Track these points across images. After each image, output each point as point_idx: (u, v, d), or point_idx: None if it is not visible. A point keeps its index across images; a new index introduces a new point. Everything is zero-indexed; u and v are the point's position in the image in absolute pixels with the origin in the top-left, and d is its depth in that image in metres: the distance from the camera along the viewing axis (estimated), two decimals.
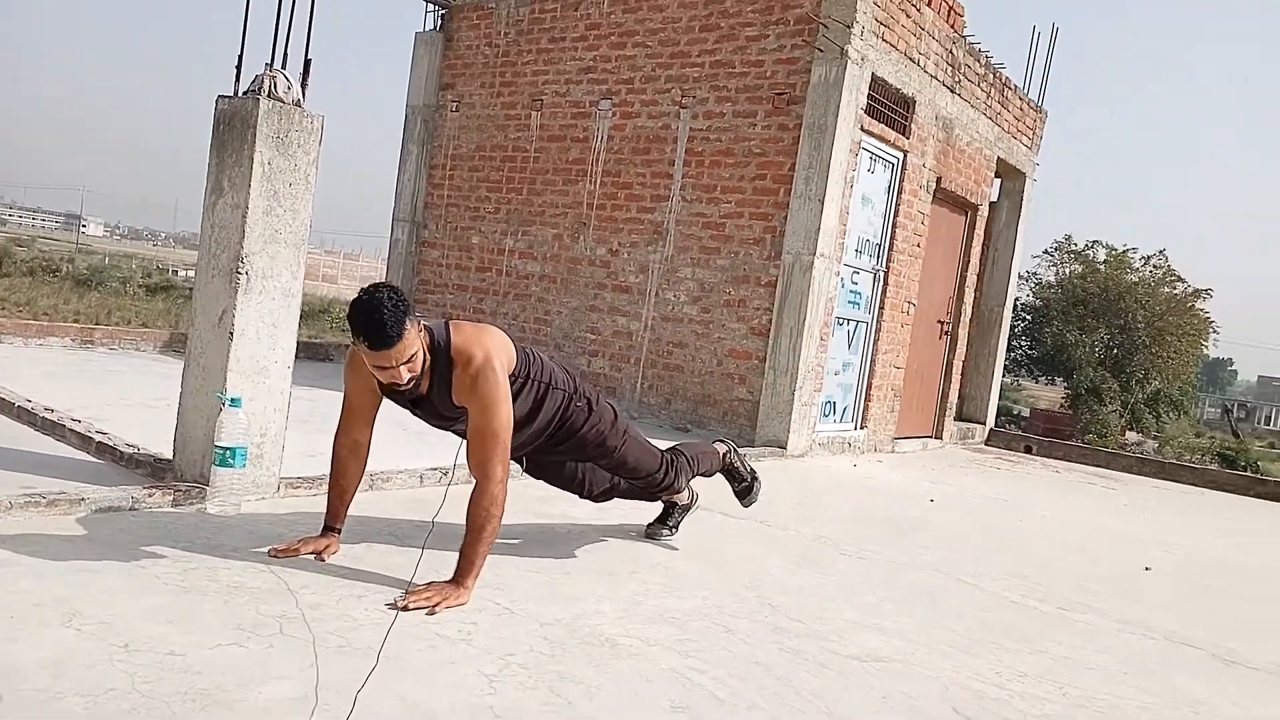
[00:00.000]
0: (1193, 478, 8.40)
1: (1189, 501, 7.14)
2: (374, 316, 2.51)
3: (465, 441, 2.76)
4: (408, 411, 2.90)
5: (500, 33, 8.38)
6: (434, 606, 2.52)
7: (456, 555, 2.66)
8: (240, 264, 3.21)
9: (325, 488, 3.55)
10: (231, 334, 3.23)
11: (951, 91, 7.59)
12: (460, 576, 2.62)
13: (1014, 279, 9.54)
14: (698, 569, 3.30)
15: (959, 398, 8.98)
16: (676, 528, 3.65)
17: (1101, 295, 24.30)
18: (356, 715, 1.87)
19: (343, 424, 2.93)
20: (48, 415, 4.11)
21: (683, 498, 3.59)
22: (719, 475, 3.67)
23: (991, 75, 8.18)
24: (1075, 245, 25.21)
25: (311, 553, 2.84)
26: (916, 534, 4.43)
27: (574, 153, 7.82)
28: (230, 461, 3.14)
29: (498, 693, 2.07)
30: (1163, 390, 25.70)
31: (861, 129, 6.55)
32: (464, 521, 2.67)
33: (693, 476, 3.49)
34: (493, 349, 2.72)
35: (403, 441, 4.12)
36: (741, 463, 3.68)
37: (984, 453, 8.76)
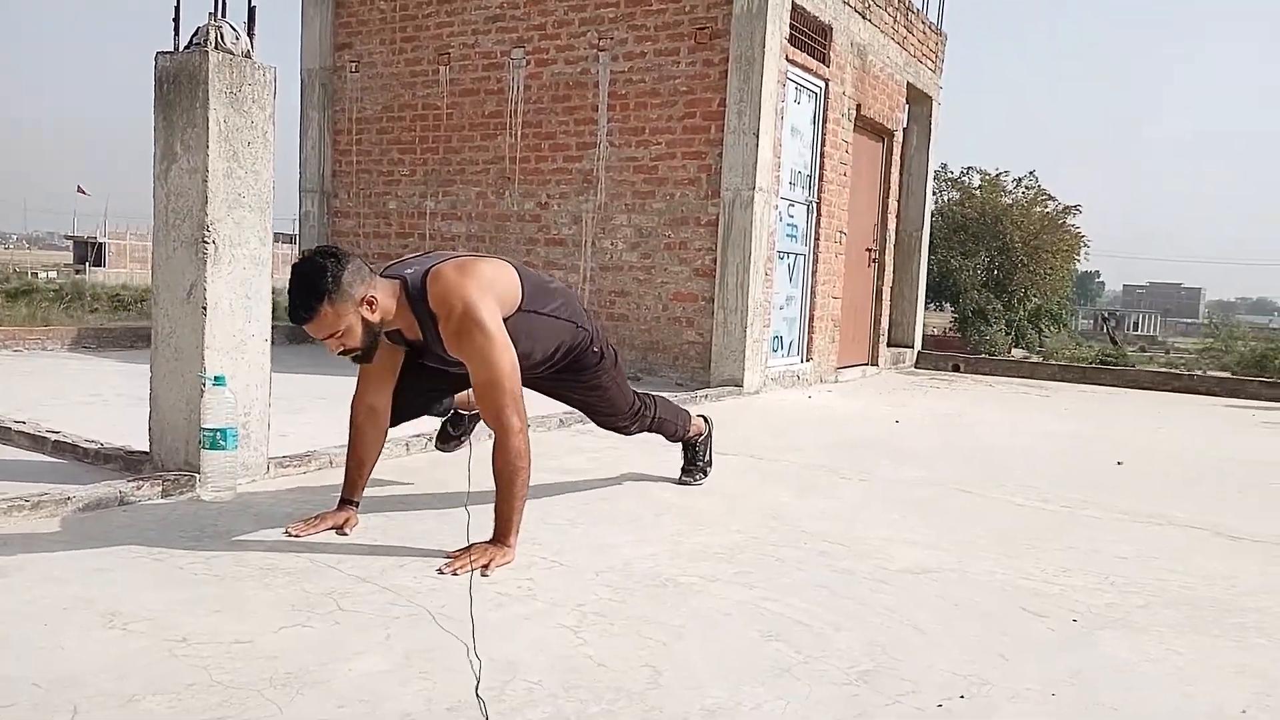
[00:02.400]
0: (1113, 379, 8.77)
1: (1119, 401, 7.45)
2: (291, 291, 2.41)
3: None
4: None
5: None
6: (484, 567, 2.41)
7: (481, 515, 2.54)
8: (206, 232, 2.98)
9: (314, 466, 3.41)
10: (204, 308, 3.00)
11: (863, 17, 7.61)
12: (502, 535, 2.51)
13: (929, 203, 9.72)
14: (715, 506, 3.25)
15: (889, 324, 9.14)
16: (707, 468, 3.58)
17: (979, 219, 25.15)
18: (453, 683, 1.76)
19: (359, 389, 2.77)
20: None
21: (697, 428, 3.51)
22: (677, 445, 3.56)
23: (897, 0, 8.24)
24: (951, 173, 25.91)
25: (331, 528, 2.69)
26: (898, 454, 4.48)
27: (490, 106, 7.57)
28: (221, 443, 2.94)
29: (588, 643, 1.98)
30: (1043, 306, 26.87)
31: (787, 59, 6.52)
32: (485, 479, 2.55)
33: (648, 426, 3.34)
34: (474, 296, 2.52)
35: None
36: (709, 451, 3.59)
37: (917, 375, 8.96)
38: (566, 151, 7.22)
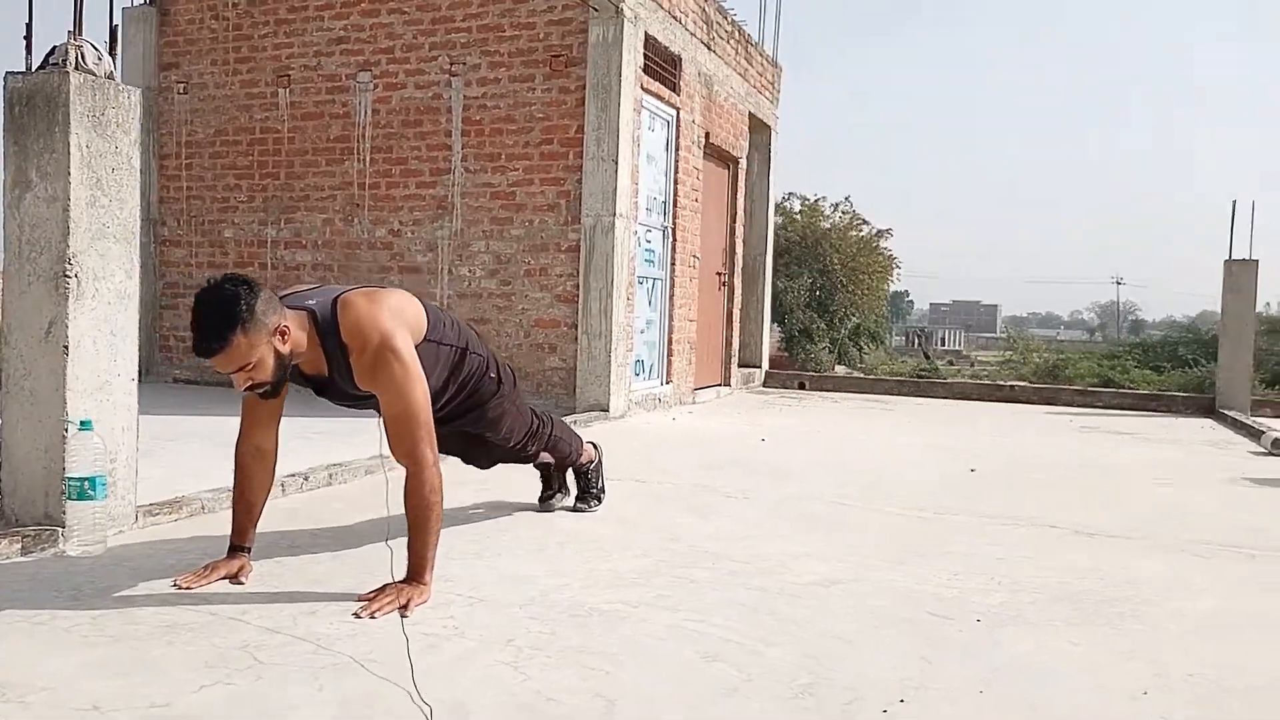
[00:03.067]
0: (945, 391, 9.33)
1: (954, 412, 7.92)
2: (198, 321, 2.28)
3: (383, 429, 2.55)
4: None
5: (227, 3, 7.68)
6: (403, 608, 2.32)
7: (384, 552, 2.46)
8: (68, 265, 2.77)
9: (186, 513, 3.21)
10: (66, 348, 2.78)
11: (709, 49, 7.85)
12: (416, 573, 2.43)
13: (771, 227, 10.09)
14: (614, 531, 3.26)
15: (739, 344, 9.40)
16: (601, 495, 3.58)
17: (800, 243, 26.30)
18: None
19: (243, 429, 2.62)
20: None
21: (589, 456, 3.52)
22: (568, 473, 3.56)
23: (738, 33, 8.55)
24: (775, 199, 26.94)
25: (224, 577, 2.53)
26: (772, 472, 4.62)
27: (335, 130, 7.35)
28: (90, 493, 2.72)
29: (531, 678, 1.95)
30: (861, 324, 28.34)
31: (641, 87, 6.64)
32: (403, 514, 2.47)
33: (542, 449, 3.32)
34: (389, 326, 2.46)
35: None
36: (600, 478, 3.60)
37: (767, 393, 9.25)
38: (419, 177, 7.09)
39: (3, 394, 2.89)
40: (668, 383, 7.48)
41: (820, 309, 26.73)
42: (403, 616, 2.29)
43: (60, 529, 2.79)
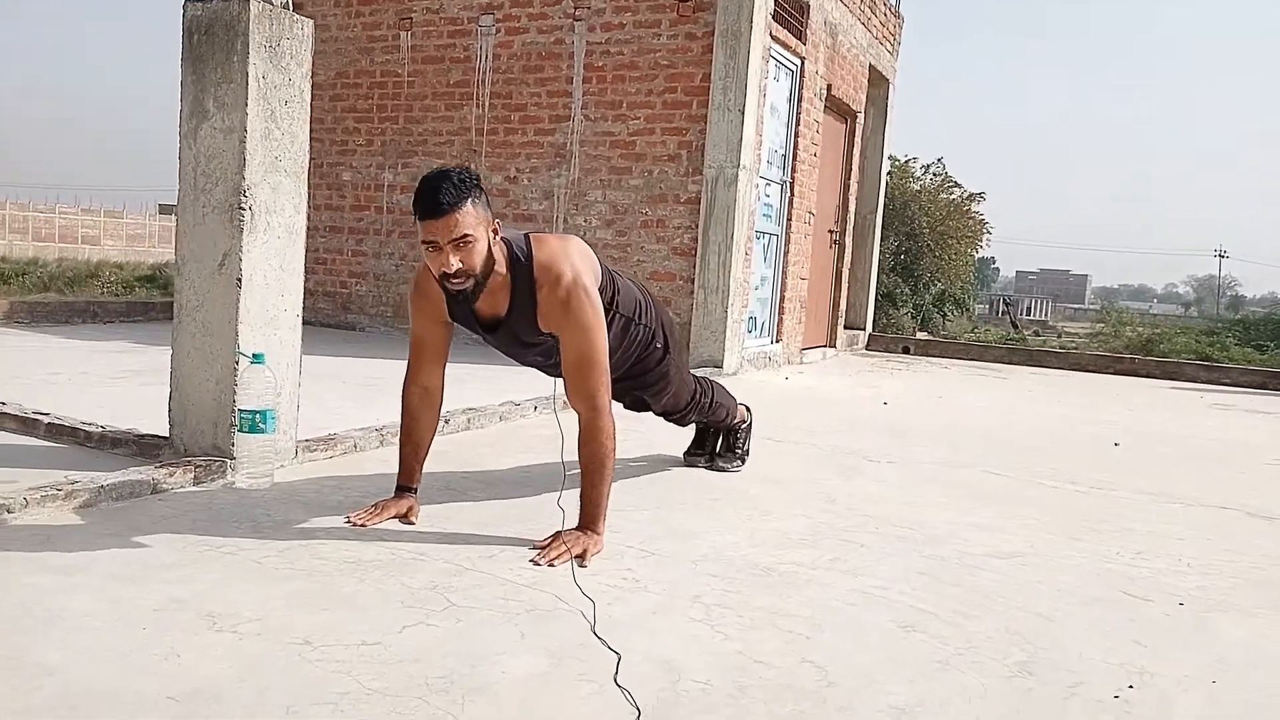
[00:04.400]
0: (1059, 362, 9.01)
1: (1072, 382, 7.64)
2: (433, 181, 2.24)
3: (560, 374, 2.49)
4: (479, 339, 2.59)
5: None
6: (579, 557, 2.29)
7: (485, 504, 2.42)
8: (242, 198, 2.76)
9: (339, 450, 3.23)
10: (239, 280, 2.79)
11: None
12: (590, 521, 2.39)
13: (883, 186, 9.81)
14: (765, 490, 3.19)
15: (845, 306, 9.20)
16: (745, 455, 3.49)
17: (889, 205, 25.56)
18: (624, 682, 1.66)
19: (411, 369, 2.59)
20: None
21: (740, 416, 3.43)
22: (713, 432, 3.47)
23: None
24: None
25: (394, 516, 2.52)
26: (905, 435, 4.49)
27: (455, 75, 7.32)
28: (261, 426, 2.74)
29: (730, 637, 1.89)
30: (947, 290, 27.61)
31: (770, 35, 6.45)
32: (575, 462, 2.43)
33: (705, 413, 3.25)
34: (581, 265, 2.44)
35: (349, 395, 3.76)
36: (749, 439, 3.51)
37: (872, 356, 9.06)
38: (538, 124, 7.02)
39: (174, 324, 2.92)
40: (777, 341, 7.35)
41: (905, 273, 26.09)
42: (581, 566, 2.26)
43: (229, 460, 2.82)
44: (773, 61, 6.63)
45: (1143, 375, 8.59)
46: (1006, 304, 50.66)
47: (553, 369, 2.68)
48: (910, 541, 2.66)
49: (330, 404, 3.94)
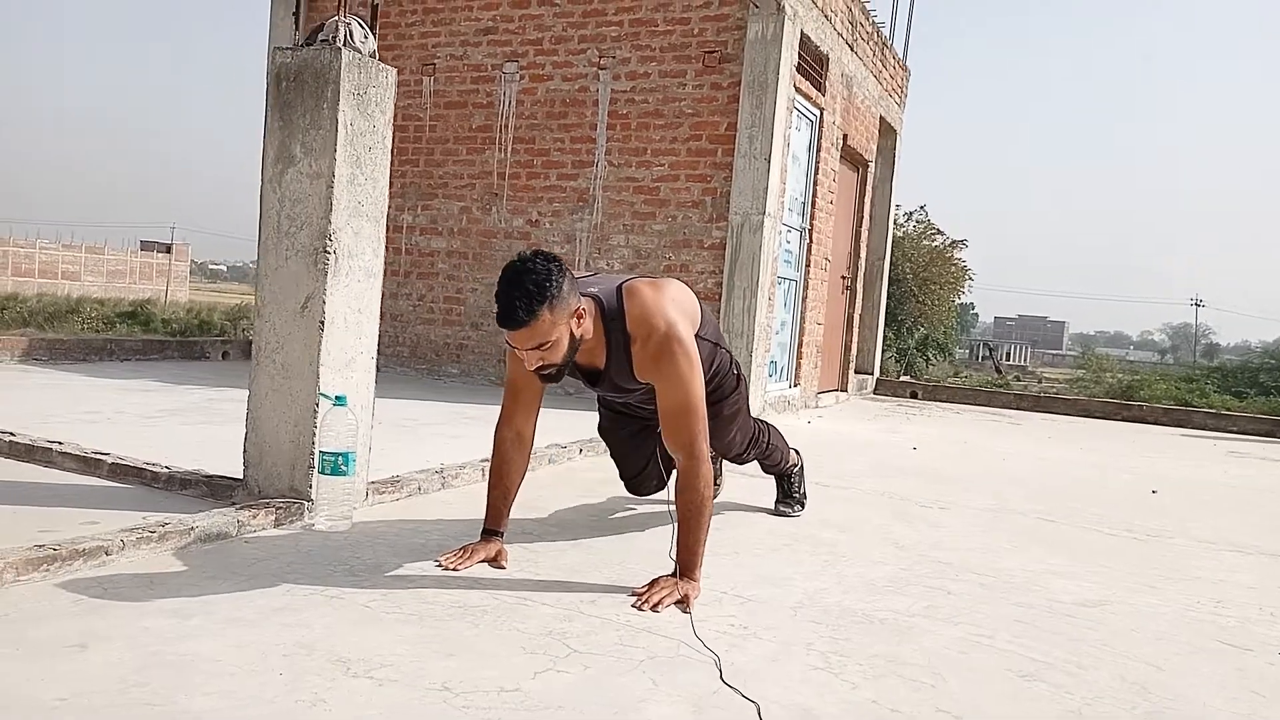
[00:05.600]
0: (1066, 408, 9.08)
1: (1086, 428, 7.70)
2: (510, 291, 2.22)
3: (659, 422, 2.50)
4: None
5: None
6: (680, 603, 2.29)
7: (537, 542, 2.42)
8: (328, 242, 2.78)
9: (405, 493, 3.21)
10: (322, 323, 2.79)
11: (851, 49, 7.74)
12: (688, 569, 2.39)
13: (890, 233, 9.93)
14: (835, 536, 3.20)
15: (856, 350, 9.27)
16: (804, 500, 3.52)
17: None
18: None
19: (505, 412, 2.60)
20: (14, 439, 3.44)
21: (793, 460, 3.46)
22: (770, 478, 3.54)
23: (876, 34, 8.42)
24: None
25: (484, 560, 2.52)
26: (947, 481, 4.51)
27: (478, 119, 7.39)
28: (344, 469, 2.73)
29: (858, 686, 1.89)
30: (929, 335, 27.86)
31: (794, 86, 6.56)
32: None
33: (763, 453, 3.30)
34: (674, 316, 2.45)
35: (390, 436, 3.77)
36: (803, 482, 3.55)
37: (883, 400, 9.11)
38: (561, 169, 7.09)
39: (253, 365, 2.92)
40: (795, 385, 7.39)
41: (889, 318, 26.32)
42: (685, 612, 2.25)
43: (306, 503, 2.80)
44: (795, 111, 6.74)
45: (1150, 421, 8.68)
46: (989, 349, 51.01)
47: (653, 410, 2.71)
48: (993, 589, 2.67)
49: (378, 444, 3.91)
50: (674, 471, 3.10)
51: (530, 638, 2.01)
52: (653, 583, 2.36)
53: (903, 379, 11.52)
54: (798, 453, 3.55)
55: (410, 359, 7.65)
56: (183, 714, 1.54)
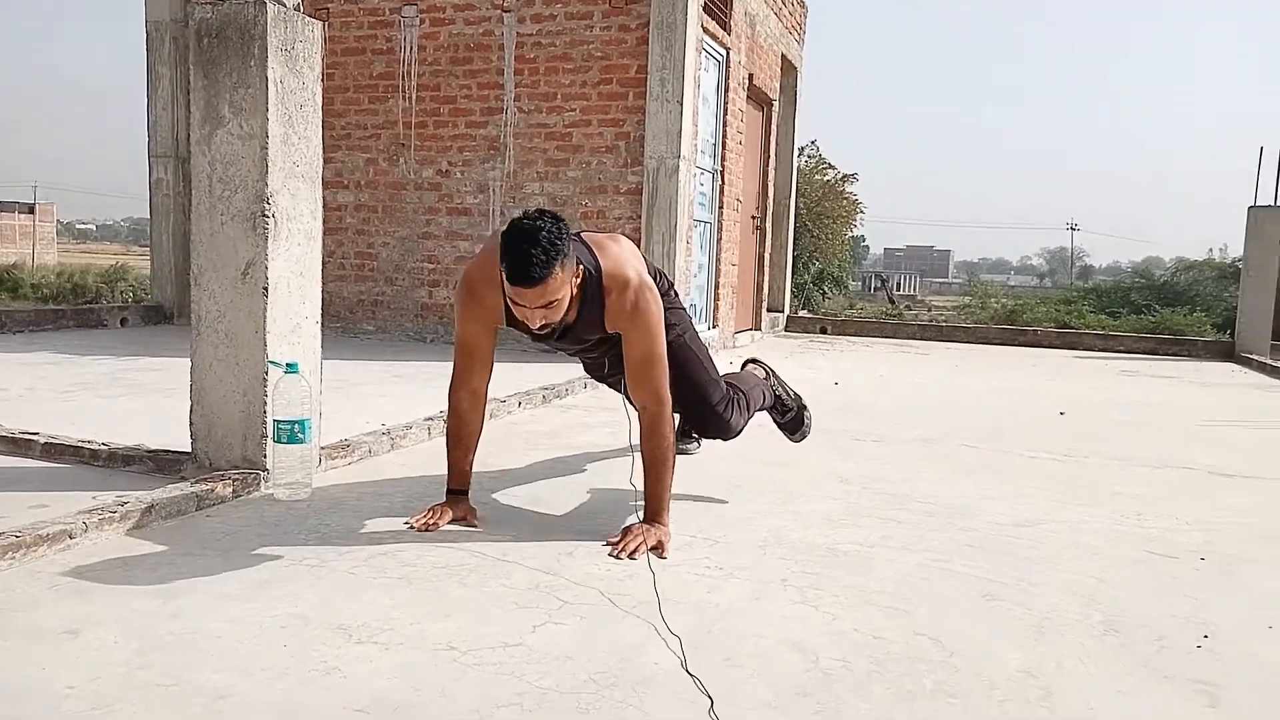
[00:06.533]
0: (969, 336, 9.47)
1: (987, 356, 8.06)
2: (523, 247, 2.22)
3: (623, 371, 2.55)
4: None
5: None
6: (655, 549, 2.36)
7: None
8: (266, 205, 2.71)
9: (356, 456, 3.19)
10: (265, 289, 2.73)
11: None
12: (656, 514, 2.46)
13: (795, 172, 10.07)
14: (781, 474, 3.31)
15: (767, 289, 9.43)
16: (799, 402, 3.34)
17: None
18: (772, 670, 1.74)
19: (458, 374, 2.59)
20: None
21: (773, 392, 3.33)
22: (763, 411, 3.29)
23: None
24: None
25: (454, 520, 2.53)
26: (872, 415, 4.69)
27: (378, 67, 7.17)
28: (300, 436, 2.70)
29: (839, 617, 2.00)
30: (825, 270, 28.52)
31: (701, 27, 6.56)
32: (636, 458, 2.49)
33: (749, 417, 3.10)
34: (640, 265, 2.53)
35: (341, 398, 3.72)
36: (784, 388, 3.36)
37: (795, 337, 9.33)
38: (469, 116, 6.96)
39: (194, 336, 2.84)
40: (714, 327, 7.51)
41: None
42: (661, 557, 2.33)
43: (262, 472, 2.76)
44: (704, 52, 6.74)
45: (1044, 345, 9.12)
46: (882, 281, 52.31)
47: (604, 364, 2.75)
48: (939, 516, 2.83)
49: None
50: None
51: (520, 593, 2.05)
52: (626, 530, 2.43)
53: (801, 313, 11.86)
54: (757, 361, 3.41)
55: (324, 317, 7.45)
56: (199, 692, 1.54)
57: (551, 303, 2.27)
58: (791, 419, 3.35)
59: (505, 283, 2.28)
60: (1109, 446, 4.04)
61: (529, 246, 2.20)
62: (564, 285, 2.27)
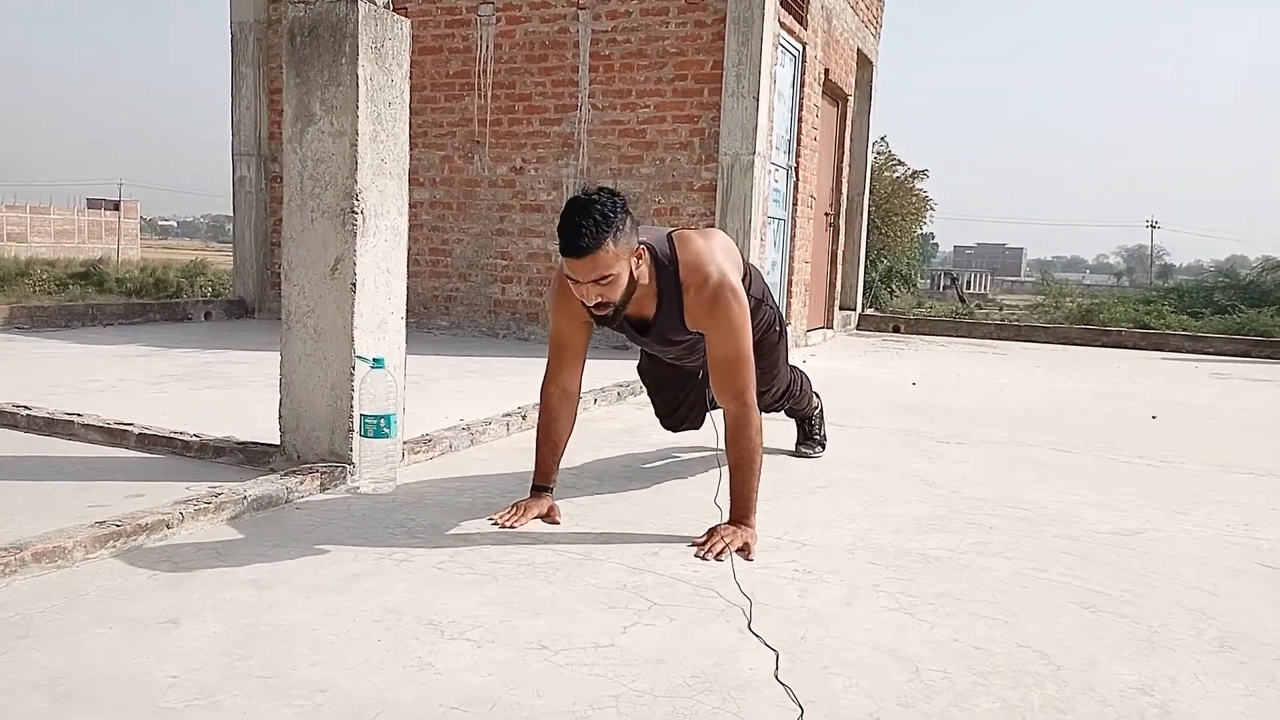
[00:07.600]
0: (1048, 336, 9.23)
1: (1069, 356, 7.84)
2: (574, 218, 2.21)
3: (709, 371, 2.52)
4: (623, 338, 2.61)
5: None
6: (741, 551, 2.32)
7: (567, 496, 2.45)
8: (355, 201, 2.73)
9: (438, 451, 3.21)
10: (353, 284, 2.75)
11: None
12: (742, 516, 2.42)
13: (869, 168, 9.92)
14: (866, 476, 3.25)
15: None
16: (824, 441, 3.56)
17: None
18: (873, 675, 1.69)
19: (551, 369, 2.59)
20: (30, 412, 3.38)
21: (814, 403, 3.50)
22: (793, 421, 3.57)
23: None
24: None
25: (538, 517, 2.53)
26: (955, 416, 4.58)
27: (455, 65, 7.23)
28: (386, 430, 2.72)
29: (936, 625, 1.94)
30: (893, 267, 28.07)
31: (779, 21, 6.48)
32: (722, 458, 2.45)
33: (796, 402, 3.37)
34: (725, 264, 2.47)
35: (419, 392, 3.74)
36: (822, 425, 3.59)
37: (867, 336, 9.19)
38: (544, 114, 6.98)
39: (283, 330, 2.88)
40: (787, 325, 7.41)
41: None
42: (748, 559, 2.29)
43: (348, 466, 2.79)
44: (780, 47, 6.67)
45: (1128, 346, 8.84)
46: (952, 279, 51.29)
47: (697, 364, 2.73)
48: (1033, 523, 2.74)
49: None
50: (706, 414, 3.14)
51: (607, 592, 2.03)
52: (711, 531, 2.40)
53: (870, 311, 11.66)
54: (818, 395, 3.58)
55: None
56: (299, 685, 1.55)
57: (605, 278, 2.23)
58: (809, 443, 3.56)
59: (561, 259, 2.26)
60: (1207, 452, 3.89)
61: (580, 218, 2.19)
62: (618, 261, 2.23)
